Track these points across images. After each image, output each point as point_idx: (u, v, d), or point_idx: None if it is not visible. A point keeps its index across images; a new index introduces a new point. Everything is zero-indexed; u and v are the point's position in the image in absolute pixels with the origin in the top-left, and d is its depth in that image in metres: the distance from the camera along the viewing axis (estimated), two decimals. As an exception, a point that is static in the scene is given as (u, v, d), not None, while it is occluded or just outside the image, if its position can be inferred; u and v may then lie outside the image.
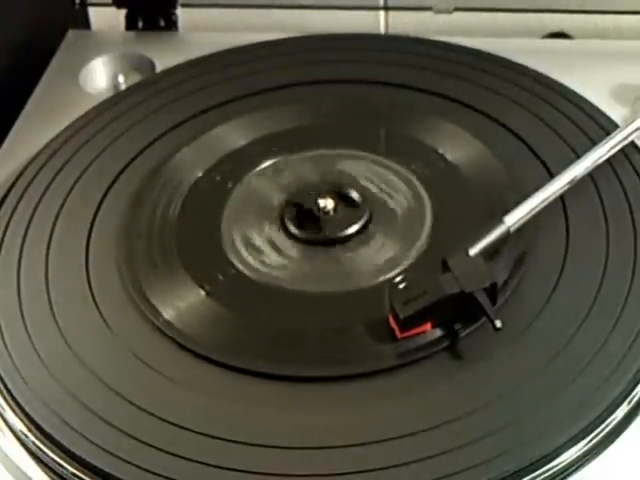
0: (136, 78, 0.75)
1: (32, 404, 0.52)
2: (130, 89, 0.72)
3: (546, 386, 0.51)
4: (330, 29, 0.75)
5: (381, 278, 0.57)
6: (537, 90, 0.67)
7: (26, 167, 0.65)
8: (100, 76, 0.76)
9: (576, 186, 0.59)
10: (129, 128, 0.68)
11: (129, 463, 0.49)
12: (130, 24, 0.82)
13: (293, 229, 0.60)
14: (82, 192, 0.64)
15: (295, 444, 0.50)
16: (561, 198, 0.59)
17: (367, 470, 0.48)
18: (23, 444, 0.52)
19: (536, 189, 0.58)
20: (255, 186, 0.64)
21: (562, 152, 0.63)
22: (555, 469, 0.48)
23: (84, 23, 0.84)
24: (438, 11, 0.80)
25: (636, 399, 0.51)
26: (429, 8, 0.80)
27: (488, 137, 0.64)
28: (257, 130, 0.67)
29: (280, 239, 0.60)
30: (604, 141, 0.61)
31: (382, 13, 0.83)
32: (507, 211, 0.57)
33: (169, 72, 0.73)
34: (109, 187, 0.64)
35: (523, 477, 0.48)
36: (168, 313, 0.56)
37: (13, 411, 0.53)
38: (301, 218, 0.60)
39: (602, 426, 0.50)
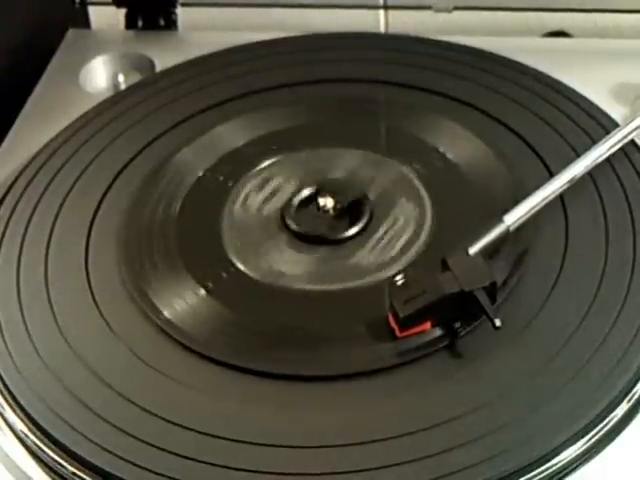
0: (136, 77, 0.75)
1: (32, 403, 0.52)
2: (130, 89, 0.72)
3: (545, 385, 0.51)
4: (330, 28, 0.75)
5: (381, 277, 0.57)
6: (537, 89, 0.67)
7: (26, 167, 0.66)
8: (100, 75, 0.76)
9: (576, 185, 0.59)
10: (129, 128, 0.68)
11: (129, 462, 0.49)
12: (130, 23, 0.82)
13: (293, 228, 0.60)
14: (82, 192, 0.64)
15: (295, 443, 0.50)
16: (561, 197, 0.59)
17: (367, 469, 0.48)
18: (23, 444, 0.52)
19: (536, 188, 0.58)
20: (255, 185, 0.64)
21: (562, 151, 0.63)
22: (555, 468, 0.48)
23: (84, 22, 0.84)
24: (438, 10, 0.80)
25: (636, 397, 0.51)
26: (429, 7, 0.80)
27: (488, 136, 0.64)
28: (257, 129, 0.67)
29: (280, 238, 0.60)
30: (604, 140, 0.61)
31: (382, 12, 0.83)
32: (507, 210, 0.57)
33: (169, 72, 0.73)
34: (109, 187, 0.64)
35: (523, 476, 0.48)
36: (168, 312, 0.56)
37: (13, 411, 0.53)
38: (301, 217, 0.60)
39: (602, 424, 0.50)
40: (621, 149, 0.61)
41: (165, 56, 0.75)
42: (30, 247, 0.60)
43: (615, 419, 0.50)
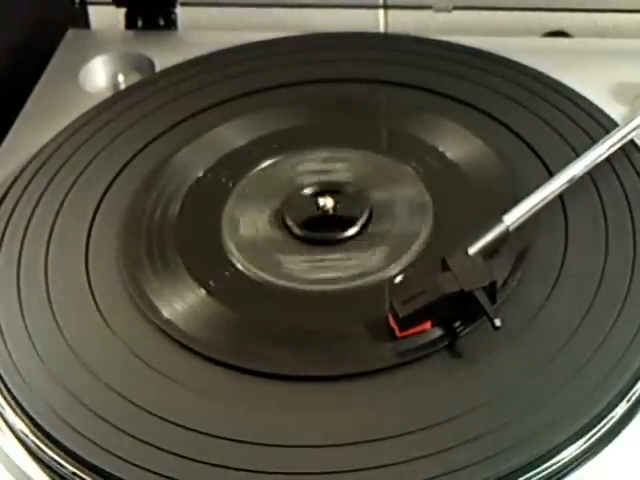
0: (136, 77, 0.75)
1: (32, 404, 0.52)
2: (130, 88, 0.72)
3: (545, 384, 0.51)
4: (330, 28, 0.75)
5: (381, 277, 0.57)
6: (537, 89, 0.67)
7: (26, 166, 0.66)
8: (100, 75, 0.76)
9: (575, 185, 0.59)
10: (128, 127, 0.68)
11: (129, 462, 0.49)
12: (130, 23, 0.82)
13: (293, 228, 0.60)
14: (82, 191, 0.64)
15: (295, 443, 0.50)
16: (560, 197, 0.59)
17: (367, 468, 0.48)
18: (23, 444, 0.52)
19: (535, 188, 0.58)
20: (255, 185, 0.64)
21: (562, 150, 0.63)
22: (554, 467, 0.48)
23: (84, 22, 0.84)
24: (437, 10, 0.80)
25: (635, 397, 0.51)
26: (429, 7, 0.80)
27: (488, 136, 0.64)
28: (257, 129, 0.67)
29: (280, 238, 0.60)
30: (603, 139, 0.61)
31: (382, 12, 0.83)
32: (506, 210, 0.57)
33: (168, 71, 0.73)
34: (109, 186, 0.64)
35: (522, 475, 0.48)
36: (168, 312, 0.56)
37: (13, 411, 0.53)
38: (301, 217, 0.60)
39: (601, 424, 0.50)
40: (621, 149, 0.61)
41: (165, 56, 0.75)
42: (30, 247, 0.60)
43: (615, 419, 0.50)
